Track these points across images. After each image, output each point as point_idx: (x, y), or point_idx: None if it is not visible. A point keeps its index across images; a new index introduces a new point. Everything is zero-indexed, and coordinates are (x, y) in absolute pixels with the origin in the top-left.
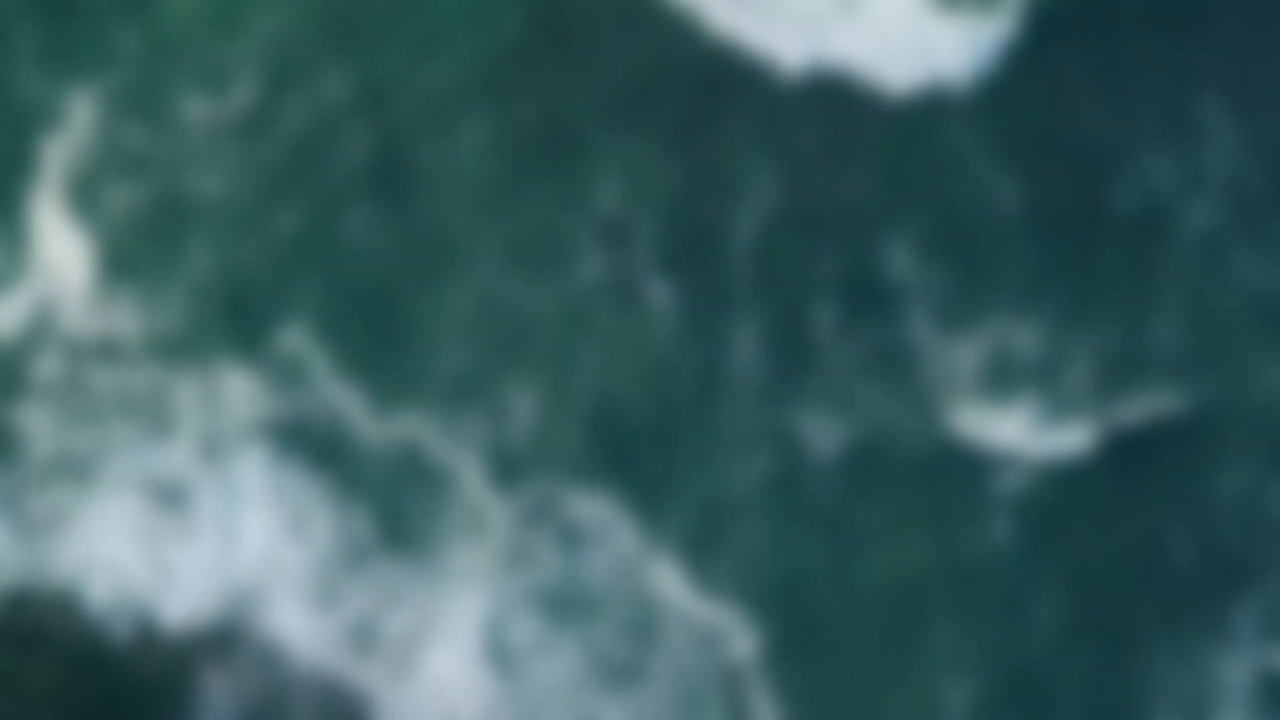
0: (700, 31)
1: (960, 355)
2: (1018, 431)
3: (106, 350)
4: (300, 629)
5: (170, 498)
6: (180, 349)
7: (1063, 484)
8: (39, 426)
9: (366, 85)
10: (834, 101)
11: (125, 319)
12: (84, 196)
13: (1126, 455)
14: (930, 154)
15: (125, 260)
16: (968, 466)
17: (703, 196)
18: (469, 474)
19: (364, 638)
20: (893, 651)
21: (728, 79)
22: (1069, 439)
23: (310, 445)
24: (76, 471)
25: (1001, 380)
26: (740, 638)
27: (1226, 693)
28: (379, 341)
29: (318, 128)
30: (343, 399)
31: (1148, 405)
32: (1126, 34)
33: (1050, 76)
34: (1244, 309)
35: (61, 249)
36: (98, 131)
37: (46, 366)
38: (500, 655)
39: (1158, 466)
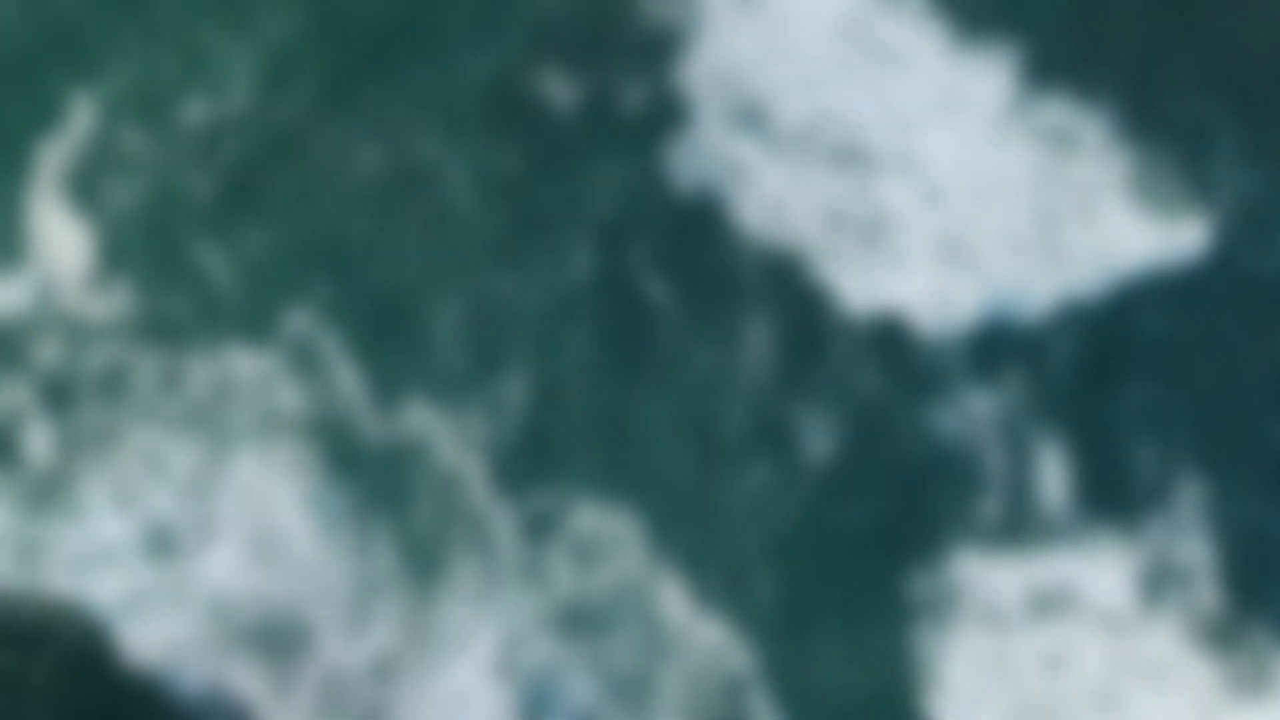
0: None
1: (953, 343)
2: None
3: (108, 338)
4: (307, 635)
5: (177, 493)
6: (182, 339)
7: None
8: (38, 419)
9: (368, 86)
10: None
11: (127, 306)
12: (85, 183)
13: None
14: None
15: (126, 248)
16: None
17: (703, 197)
18: (474, 483)
19: (375, 646)
20: (893, 665)
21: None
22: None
23: (313, 445)
24: (78, 465)
25: (991, 368)
26: (743, 652)
27: None
28: (383, 342)
29: (318, 127)
30: (349, 394)
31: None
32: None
33: None
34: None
35: (62, 234)
36: (98, 127)
37: (47, 352)
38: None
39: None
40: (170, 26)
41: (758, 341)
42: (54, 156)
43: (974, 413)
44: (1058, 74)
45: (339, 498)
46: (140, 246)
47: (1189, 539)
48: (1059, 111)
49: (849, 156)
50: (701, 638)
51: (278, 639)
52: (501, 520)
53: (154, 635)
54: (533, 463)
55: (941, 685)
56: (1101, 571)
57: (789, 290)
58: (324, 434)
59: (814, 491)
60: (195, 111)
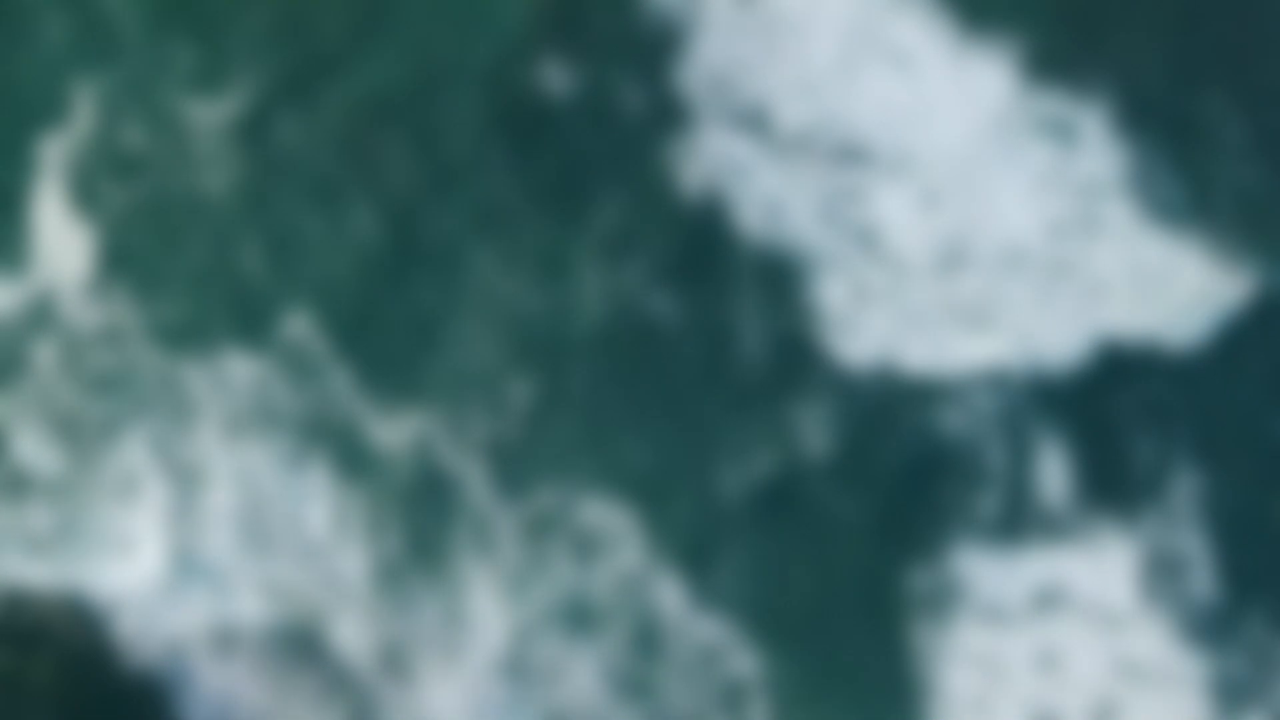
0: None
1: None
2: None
3: (107, 341)
4: (308, 634)
5: (178, 494)
6: (181, 341)
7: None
8: (38, 421)
9: (368, 85)
10: None
11: (126, 309)
12: (85, 188)
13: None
14: None
15: (125, 251)
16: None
17: (703, 198)
18: (475, 483)
19: (377, 646)
20: (890, 663)
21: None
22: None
23: (315, 448)
24: (77, 465)
25: (990, 366)
26: (741, 649)
27: None
28: (380, 342)
29: (316, 129)
30: (348, 397)
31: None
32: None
33: None
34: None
35: (62, 236)
36: (98, 126)
37: (46, 358)
38: (517, 670)
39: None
40: (167, 25)
41: (757, 341)
42: (55, 159)
43: (974, 411)
44: (1060, 71)
45: (341, 498)
46: (140, 248)
47: (1187, 535)
48: (1061, 109)
49: (849, 158)
50: (700, 635)
51: (279, 638)
52: (502, 519)
53: (155, 634)
54: (533, 463)
55: (941, 682)
56: (1100, 568)
57: (788, 291)
58: (326, 435)
59: (814, 489)
60: (194, 113)
